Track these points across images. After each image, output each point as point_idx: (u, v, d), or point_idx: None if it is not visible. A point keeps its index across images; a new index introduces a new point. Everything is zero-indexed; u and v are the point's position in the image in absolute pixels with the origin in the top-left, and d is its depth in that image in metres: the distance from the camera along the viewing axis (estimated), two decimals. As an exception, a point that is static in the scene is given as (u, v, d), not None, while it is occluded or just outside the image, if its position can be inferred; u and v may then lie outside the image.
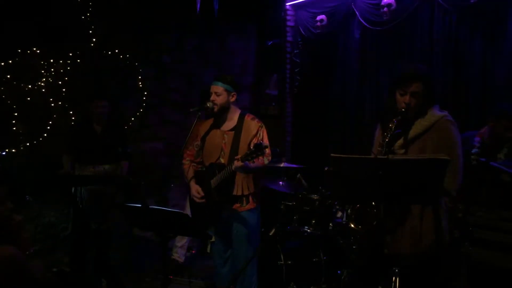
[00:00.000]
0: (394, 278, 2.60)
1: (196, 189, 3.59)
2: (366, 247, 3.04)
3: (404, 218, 2.65)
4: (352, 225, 2.64)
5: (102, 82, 5.47)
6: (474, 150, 3.63)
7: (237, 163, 3.23)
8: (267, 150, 3.36)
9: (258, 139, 3.45)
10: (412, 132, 2.68)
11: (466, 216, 3.13)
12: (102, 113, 4.64)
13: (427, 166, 2.25)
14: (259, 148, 3.12)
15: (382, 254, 2.72)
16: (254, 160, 3.21)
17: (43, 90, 5.14)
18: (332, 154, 2.37)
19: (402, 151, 2.69)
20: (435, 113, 2.69)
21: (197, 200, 3.58)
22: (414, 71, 2.70)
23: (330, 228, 4.25)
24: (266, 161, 3.44)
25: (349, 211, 2.71)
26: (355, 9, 5.44)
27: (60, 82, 5.22)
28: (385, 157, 2.34)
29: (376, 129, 2.95)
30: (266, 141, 3.48)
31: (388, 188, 2.33)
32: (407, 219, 2.65)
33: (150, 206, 2.75)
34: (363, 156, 2.42)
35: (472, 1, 4.34)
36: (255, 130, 3.51)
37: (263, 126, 3.56)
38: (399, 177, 2.30)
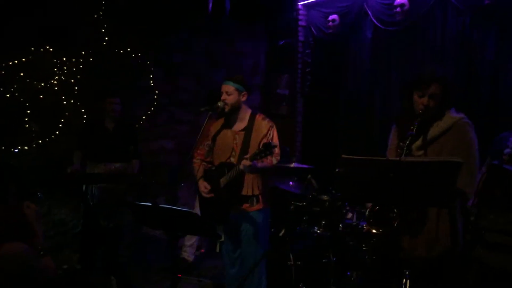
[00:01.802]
0: (404, 280, 2.58)
1: (204, 185, 3.59)
2: (382, 251, 3.02)
3: (421, 222, 2.63)
4: (374, 231, 2.61)
5: (114, 81, 5.49)
6: (506, 150, 3.60)
7: (245, 162, 3.22)
8: (276, 150, 3.34)
9: (268, 139, 3.44)
10: (431, 134, 2.66)
11: (478, 219, 3.10)
12: (115, 110, 4.67)
13: (440, 169, 2.23)
14: (268, 147, 3.12)
15: (397, 257, 2.71)
16: (263, 159, 3.20)
17: (56, 88, 5.17)
18: (343, 155, 2.36)
19: (420, 152, 2.67)
20: (452, 115, 2.67)
21: (204, 195, 3.57)
22: (434, 72, 2.69)
23: (340, 229, 4.23)
24: (274, 161, 3.43)
25: (367, 213, 2.69)
26: (367, 9, 5.40)
27: (72, 81, 5.25)
28: (397, 159, 2.32)
29: (390, 131, 2.93)
30: (276, 141, 3.47)
31: (400, 190, 2.31)
32: (423, 223, 2.63)
33: (159, 205, 2.76)
34: (374, 158, 2.40)
35: (486, 2, 4.30)
36: (266, 130, 3.50)
37: (274, 126, 3.55)
38: (411, 179, 2.28)
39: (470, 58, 4.61)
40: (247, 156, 3.24)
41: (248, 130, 3.54)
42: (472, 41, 4.59)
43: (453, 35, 4.72)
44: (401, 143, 2.63)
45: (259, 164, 3.28)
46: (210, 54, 6.37)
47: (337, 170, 3.71)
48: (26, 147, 5.03)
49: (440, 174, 2.23)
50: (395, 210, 2.55)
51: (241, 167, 3.29)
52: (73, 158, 4.64)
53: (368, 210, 2.71)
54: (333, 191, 4.44)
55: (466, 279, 3.02)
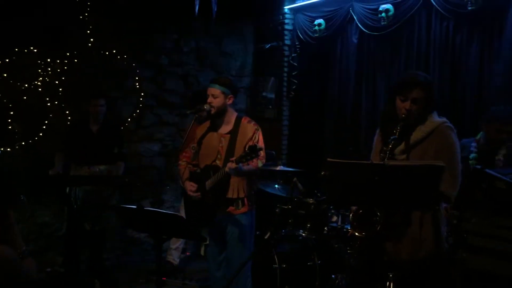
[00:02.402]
0: (388, 283, 2.60)
1: (190, 184, 3.57)
2: (367, 254, 3.04)
3: (404, 225, 2.65)
4: (357, 233, 2.63)
5: (99, 82, 5.45)
6: (472, 155, 3.67)
7: (231, 165, 3.23)
8: (261, 153, 3.36)
9: (253, 142, 3.45)
10: (413, 138, 2.69)
11: (461, 223, 3.14)
12: (99, 112, 4.63)
13: (423, 172, 2.25)
14: (253, 150, 3.12)
15: (381, 260, 2.72)
16: (248, 162, 3.21)
17: (40, 89, 5.12)
18: (328, 159, 2.37)
19: (403, 156, 2.70)
20: (434, 119, 2.70)
21: (192, 194, 3.55)
22: (416, 77, 2.71)
23: (325, 232, 4.25)
24: (260, 164, 3.44)
25: (350, 217, 2.70)
26: (353, 14, 5.45)
27: (57, 82, 5.20)
28: (381, 162, 2.34)
29: (375, 135, 2.95)
30: (261, 144, 3.48)
31: (384, 194, 2.33)
32: (407, 226, 2.65)
33: (145, 208, 2.75)
34: (359, 161, 2.42)
35: (469, 7, 4.36)
36: (251, 133, 3.51)
37: (259, 129, 3.56)
38: (395, 183, 2.30)
39: (454, 62, 4.67)
40: (233, 158, 3.25)
41: (233, 133, 3.54)
42: (455, 45, 4.65)
43: (437, 40, 4.78)
44: (384, 147, 2.66)
45: (245, 167, 3.29)
46: (198, 56, 6.36)
47: (322, 173, 3.74)
48: (9, 149, 4.97)
49: (423, 177, 2.25)
50: (378, 214, 2.57)
51: (227, 169, 3.29)
52: (54, 160, 4.60)
53: (351, 213, 2.73)
54: (319, 194, 4.46)
55: (450, 282, 3.05)
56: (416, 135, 2.69)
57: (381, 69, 5.33)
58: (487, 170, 3.00)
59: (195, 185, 3.55)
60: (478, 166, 3.10)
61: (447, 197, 2.58)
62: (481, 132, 3.80)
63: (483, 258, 3.15)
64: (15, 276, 2.67)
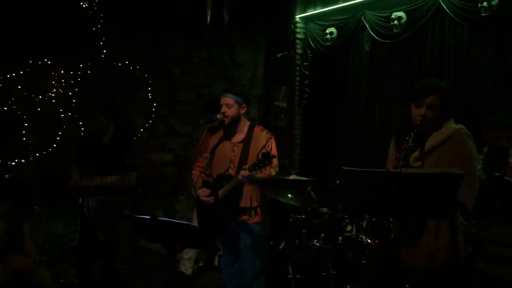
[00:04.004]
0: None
1: (202, 190, 3.55)
2: (380, 262, 3.00)
3: (419, 233, 2.60)
4: (369, 241, 2.58)
5: (112, 93, 5.49)
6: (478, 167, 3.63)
7: (244, 172, 3.21)
8: (275, 161, 3.33)
9: (266, 150, 3.42)
10: (428, 145, 2.65)
11: (479, 231, 3.08)
12: (101, 128, 4.63)
13: (441, 180, 2.22)
14: (266, 157, 3.10)
15: (396, 269, 2.68)
16: (262, 170, 3.19)
17: (54, 100, 5.16)
18: (344, 167, 2.34)
19: (418, 163, 2.66)
20: (451, 126, 2.66)
21: (205, 199, 3.53)
22: (431, 83, 2.69)
23: (340, 242, 4.20)
24: (273, 172, 3.41)
25: (364, 224, 2.66)
26: (365, 22, 5.43)
27: (70, 93, 5.25)
28: (398, 170, 2.31)
29: (391, 142, 2.92)
30: (274, 152, 3.46)
31: (401, 202, 2.29)
32: (422, 234, 2.60)
33: (158, 218, 2.73)
34: (375, 170, 2.39)
35: (483, 14, 4.33)
36: (264, 141, 3.49)
37: (272, 137, 3.54)
38: (412, 191, 2.26)
39: (469, 69, 4.62)
40: (246, 166, 3.23)
41: (246, 141, 3.52)
42: (470, 52, 4.61)
43: (451, 47, 4.74)
44: (397, 154, 2.63)
45: (258, 175, 3.26)
46: (209, 66, 6.38)
47: (337, 181, 3.70)
48: (23, 160, 5.00)
49: (441, 186, 2.22)
50: (393, 221, 2.52)
51: (240, 177, 3.27)
52: (71, 173, 4.61)
53: (366, 220, 2.68)
54: (333, 203, 4.42)
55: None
56: (432, 141, 2.65)
57: (394, 77, 5.29)
58: (506, 178, 2.95)
59: (207, 190, 3.53)
60: (497, 174, 3.05)
61: (465, 206, 2.53)
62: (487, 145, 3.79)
63: (502, 267, 3.09)
64: (29, 285, 2.68)
